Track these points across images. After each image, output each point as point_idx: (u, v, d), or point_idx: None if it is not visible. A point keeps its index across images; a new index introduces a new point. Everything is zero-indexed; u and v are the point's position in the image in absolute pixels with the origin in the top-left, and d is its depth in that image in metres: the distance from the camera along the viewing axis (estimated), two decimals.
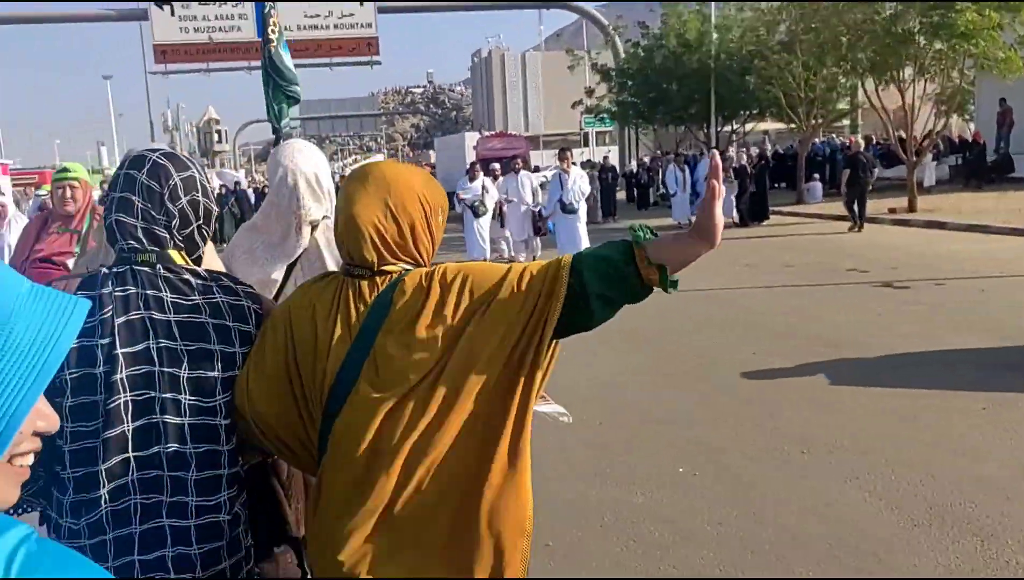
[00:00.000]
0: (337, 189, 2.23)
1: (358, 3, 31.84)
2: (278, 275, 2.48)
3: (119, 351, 1.57)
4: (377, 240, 1.64)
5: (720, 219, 1.55)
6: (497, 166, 13.80)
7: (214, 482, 1.62)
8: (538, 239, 12.46)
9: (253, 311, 1.73)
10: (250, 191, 24.07)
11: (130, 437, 1.56)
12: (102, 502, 1.54)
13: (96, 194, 5.11)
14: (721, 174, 1.53)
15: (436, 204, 1.72)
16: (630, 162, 30.72)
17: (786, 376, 5.99)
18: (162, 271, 1.66)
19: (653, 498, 4.10)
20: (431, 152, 66.15)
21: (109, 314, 1.58)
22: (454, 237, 12.89)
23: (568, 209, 10.91)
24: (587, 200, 11.77)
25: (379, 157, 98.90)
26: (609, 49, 30.69)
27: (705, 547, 3.59)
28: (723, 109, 24.80)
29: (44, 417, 0.81)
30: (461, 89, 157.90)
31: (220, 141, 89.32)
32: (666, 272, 1.55)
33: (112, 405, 1.55)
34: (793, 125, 21.70)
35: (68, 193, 4.28)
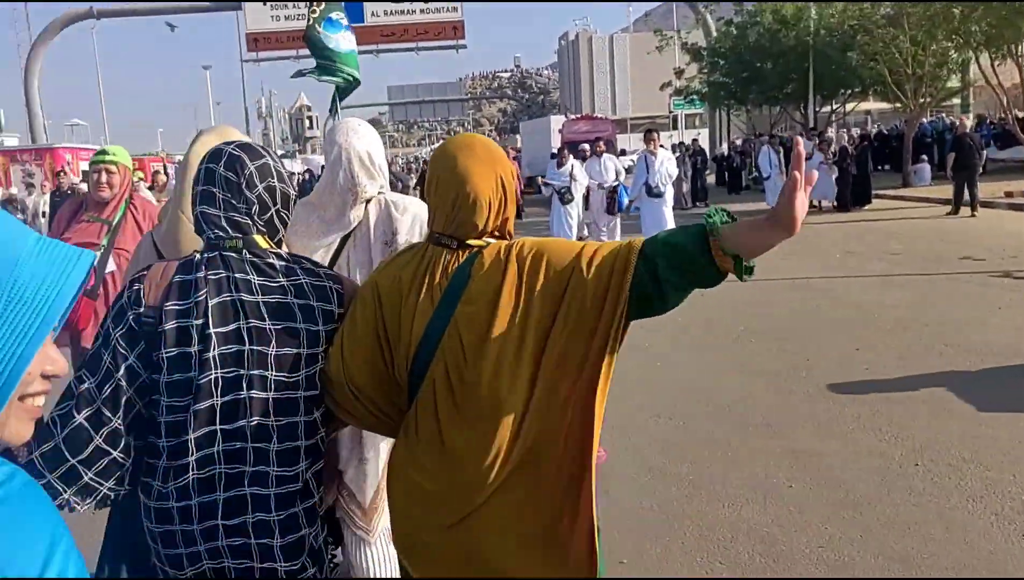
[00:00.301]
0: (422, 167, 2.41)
1: None
2: (332, 246, 2.56)
3: (212, 331, 1.69)
4: (491, 211, 1.75)
5: (802, 208, 1.47)
6: (587, 147, 13.22)
7: (293, 452, 1.74)
8: (617, 220, 11.80)
9: (335, 291, 1.84)
10: None
11: (218, 410, 1.69)
12: (190, 470, 1.68)
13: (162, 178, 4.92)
14: (803, 162, 1.46)
15: (514, 178, 1.86)
16: (721, 145, 29.70)
17: (895, 377, 5.41)
18: (248, 256, 1.77)
19: (743, 512, 3.67)
20: (517, 136, 65.91)
21: (203, 296, 1.70)
22: (539, 221, 12.41)
23: (654, 192, 10.33)
24: (674, 184, 11.21)
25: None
26: (700, 29, 29.66)
27: (803, 570, 3.16)
28: (822, 88, 23.62)
29: (52, 361, 0.89)
30: (548, 73, 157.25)
31: (311, 127, 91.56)
32: (741, 261, 1.53)
33: (203, 380, 1.67)
34: (899, 104, 20.43)
35: (104, 177, 3.96)
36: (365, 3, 31.77)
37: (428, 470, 1.72)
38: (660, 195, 10.36)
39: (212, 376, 1.69)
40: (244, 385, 1.71)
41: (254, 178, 1.81)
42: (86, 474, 1.65)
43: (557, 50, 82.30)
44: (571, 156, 12.16)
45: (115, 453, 1.68)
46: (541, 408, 1.65)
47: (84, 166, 22.44)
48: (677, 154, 21.44)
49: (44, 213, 14.31)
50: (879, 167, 23.75)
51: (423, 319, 1.72)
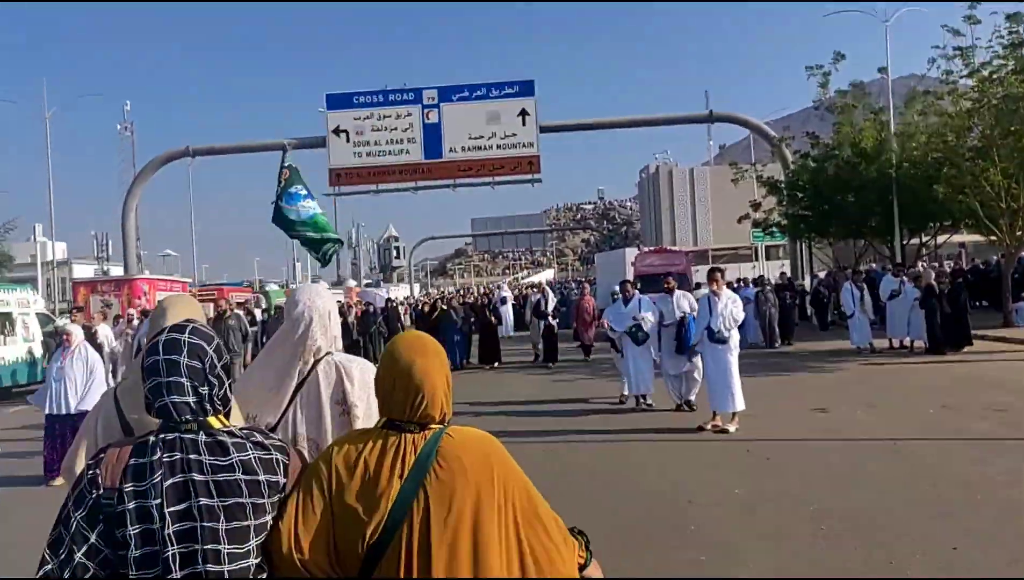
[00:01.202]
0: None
1: (520, 123, 32.34)
2: (286, 399, 2.89)
3: (167, 510, 1.85)
4: (446, 401, 2.07)
5: None
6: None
7: None
8: (689, 363, 10.54)
9: (281, 463, 2.00)
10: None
11: None
12: None
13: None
14: None
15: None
16: (802, 278, 28.52)
17: None
18: (203, 437, 1.94)
19: None
20: (595, 266, 65.78)
21: (159, 479, 1.87)
22: (604, 358, 11.46)
23: (716, 337, 9.46)
24: (757, 320, 10.28)
25: (549, 272, 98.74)
26: (777, 162, 29.15)
27: None
28: (908, 221, 22.47)
29: None
30: (631, 205, 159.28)
31: (398, 257, 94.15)
32: None
33: (164, 556, 1.84)
34: (994, 237, 19.12)
35: None
36: (445, 138, 32.70)
37: None
38: (724, 341, 9.43)
39: (171, 551, 1.83)
40: (200, 559, 1.84)
41: (214, 361, 2.01)
42: None
43: (638, 182, 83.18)
44: (637, 291, 11.24)
45: None
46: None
47: (161, 296, 23.01)
48: (758, 289, 20.45)
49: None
50: (976, 303, 22.13)
51: (391, 494, 1.91)
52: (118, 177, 42.31)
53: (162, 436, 1.94)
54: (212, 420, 2.00)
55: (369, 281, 78.70)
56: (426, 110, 33.10)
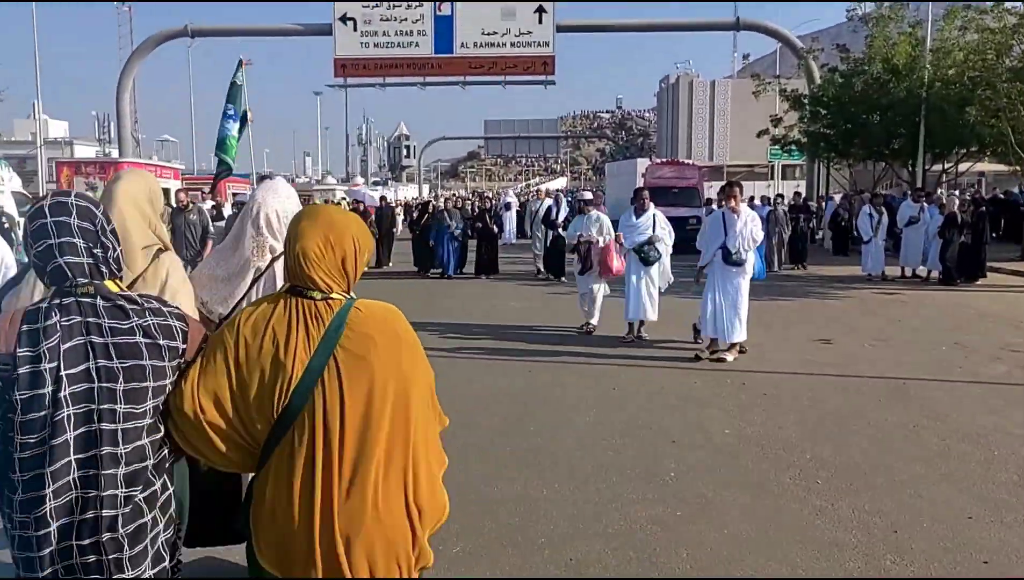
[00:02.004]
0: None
1: (537, 20, 30.74)
2: (239, 293, 3.11)
3: (63, 373, 1.89)
4: (348, 271, 2.12)
5: None
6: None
7: (141, 473, 1.99)
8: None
9: (179, 330, 2.07)
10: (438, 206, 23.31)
11: (71, 443, 1.90)
12: (47, 500, 1.88)
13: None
14: None
15: (364, 246, 2.16)
16: (815, 198, 27.51)
17: None
18: (101, 302, 1.98)
19: None
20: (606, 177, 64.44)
21: (55, 341, 1.90)
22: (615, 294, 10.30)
23: (733, 260, 8.38)
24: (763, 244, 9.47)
25: (561, 181, 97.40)
26: (803, 75, 27.69)
27: None
28: (934, 146, 21.33)
29: None
30: (649, 115, 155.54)
31: (408, 156, 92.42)
32: None
33: (58, 418, 1.88)
34: (1019, 167, 18.07)
35: None
36: (457, 33, 31.20)
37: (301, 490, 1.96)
38: (740, 263, 8.42)
39: (66, 413, 1.88)
40: (95, 418, 1.92)
41: (104, 224, 2.04)
42: None
43: (657, 92, 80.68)
44: (652, 203, 9.76)
45: None
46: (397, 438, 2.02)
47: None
48: (770, 207, 19.49)
49: None
50: (993, 234, 21.27)
51: (303, 357, 1.97)
52: (118, 57, 40.81)
53: (57, 301, 1.94)
54: (110, 284, 2.02)
55: (377, 179, 77.56)
56: (438, 2, 31.43)
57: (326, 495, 1.94)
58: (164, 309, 2.07)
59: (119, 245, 2.08)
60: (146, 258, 2.75)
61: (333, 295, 2.07)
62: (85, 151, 47.44)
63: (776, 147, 29.02)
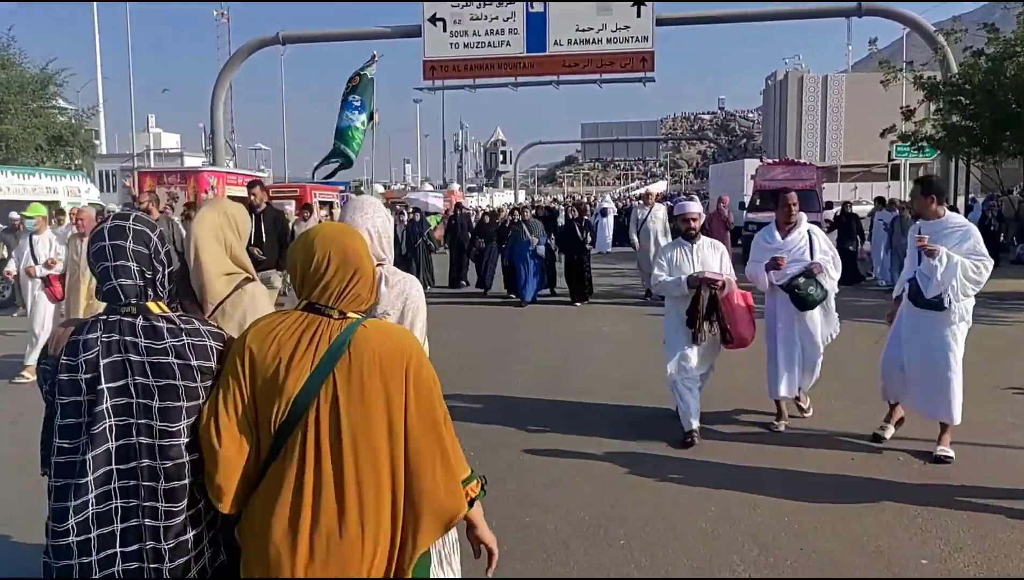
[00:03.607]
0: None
1: (635, 14, 28.78)
2: None
3: (104, 386, 2.00)
4: (372, 294, 2.18)
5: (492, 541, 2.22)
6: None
7: (180, 491, 2.02)
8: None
9: (214, 350, 2.12)
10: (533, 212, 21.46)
11: (113, 453, 2.00)
12: (89, 506, 1.97)
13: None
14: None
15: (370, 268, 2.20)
16: (955, 201, 24.44)
17: None
18: (141, 321, 2.08)
19: None
20: (709, 180, 61.54)
21: (94, 355, 2.02)
22: None
23: (929, 302, 5.54)
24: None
25: (662, 184, 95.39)
26: (938, 62, 24.68)
27: None
28: None
29: None
30: (753, 116, 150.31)
31: (505, 161, 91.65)
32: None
33: (99, 429, 1.97)
34: None
35: None
36: (550, 30, 29.59)
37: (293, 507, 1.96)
38: (941, 307, 5.54)
39: (107, 424, 1.98)
40: (134, 432, 2.01)
41: (158, 247, 2.16)
42: None
43: (763, 90, 76.97)
44: (803, 215, 6.58)
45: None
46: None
47: (232, 191, 21.44)
48: (896, 213, 17.04)
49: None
50: None
51: (302, 375, 1.97)
52: (218, 68, 41.11)
53: (104, 317, 2.08)
54: (151, 305, 2.13)
55: (472, 185, 76.93)
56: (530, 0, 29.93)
57: (312, 513, 1.94)
58: (202, 329, 2.14)
59: (169, 267, 2.20)
60: (228, 285, 2.76)
61: (349, 314, 2.09)
62: (194, 162, 48.41)
63: (906, 144, 26.06)
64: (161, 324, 2.07)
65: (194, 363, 2.05)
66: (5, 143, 22.72)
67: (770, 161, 24.36)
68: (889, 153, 35.88)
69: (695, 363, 6.16)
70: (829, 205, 21.14)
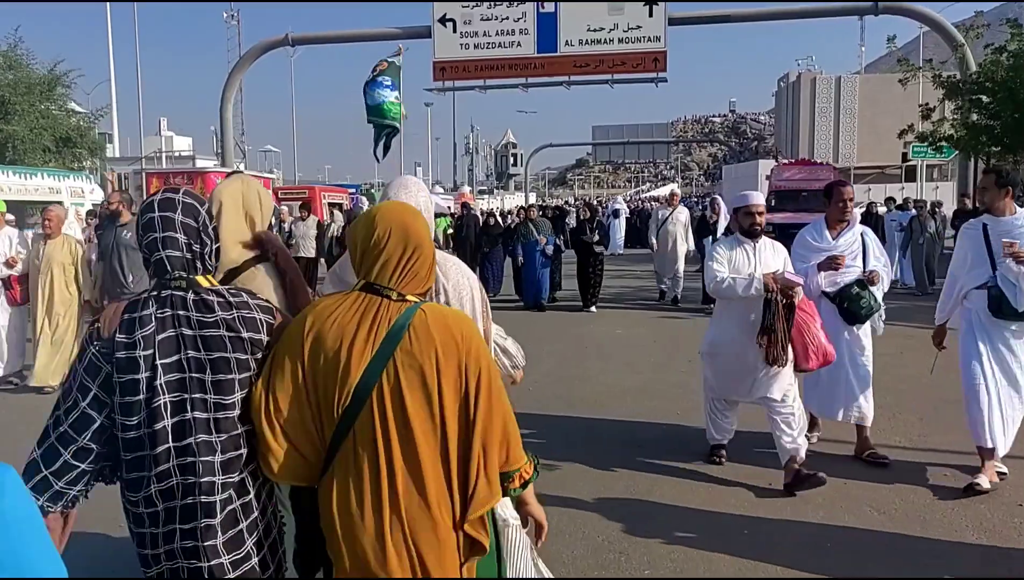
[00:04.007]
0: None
1: (647, 13, 28.42)
2: None
3: (159, 362, 2.02)
4: (430, 274, 2.18)
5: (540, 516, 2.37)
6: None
7: (236, 461, 2.07)
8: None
9: (265, 322, 2.15)
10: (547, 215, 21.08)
11: (169, 430, 2.02)
12: (152, 483, 2.02)
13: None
14: None
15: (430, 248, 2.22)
16: (969, 202, 23.91)
17: None
18: (191, 295, 2.10)
19: None
20: (722, 182, 60.94)
21: (150, 331, 2.03)
22: None
23: (1013, 311, 4.88)
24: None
25: (673, 186, 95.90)
26: (956, 61, 24.19)
27: None
28: None
29: None
30: (765, 118, 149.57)
31: (515, 164, 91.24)
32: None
33: (155, 405, 2.00)
34: None
35: None
36: (561, 30, 29.25)
37: (365, 494, 1.97)
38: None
39: (162, 401, 2.00)
40: (188, 407, 2.02)
41: (206, 221, 2.18)
42: (56, 483, 2.00)
43: (775, 92, 76.38)
44: (859, 212, 6.09)
45: (83, 465, 2.02)
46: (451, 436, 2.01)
47: None
48: (912, 212, 16.68)
49: None
50: None
51: (364, 359, 1.97)
52: (228, 69, 40.98)
53: (155, 293, 2.09)
54: (200, 279, 2.14)
55: (483, 188, 76.63)
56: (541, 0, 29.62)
57: (391, 499, 1.95)
58: (251, 301, 2.16)
59: (216, 242, 2.23)
60: (241, 256, 2.69)
61: (408, 297, 2.07)
62: (206, 165, 48.33)
63: (921, 145, 25.58)
64: (211, 297, 2.10)
65: (245, 335, 2.08)
66: (12, 144, 22.45)
67: (786, 161, 23.90)
68: (904, 154, 35.37)
69: (750, 386, 5.20)
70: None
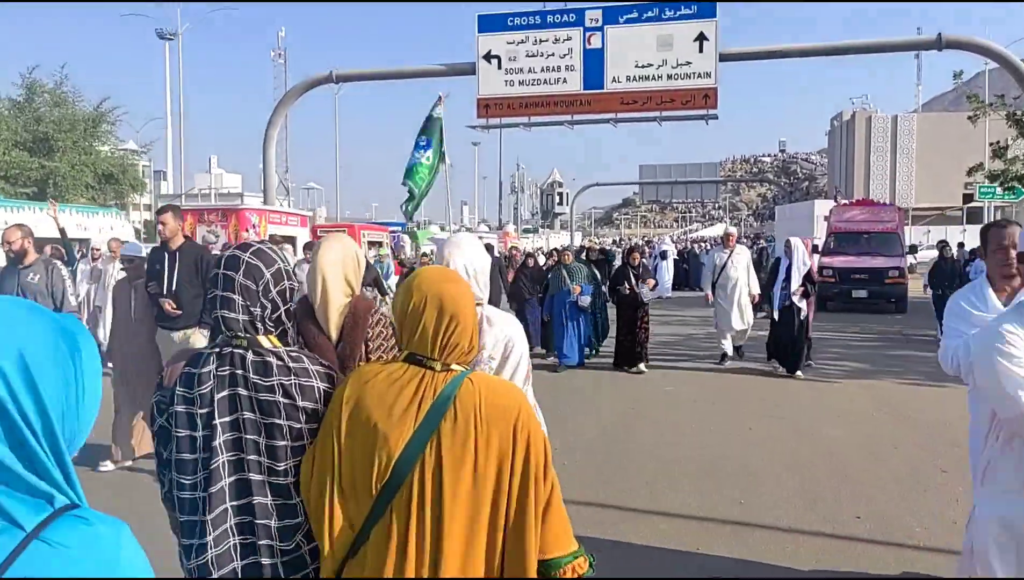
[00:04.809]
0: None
1: (697, 49, 27.65)
2: None
3: (217, 421, 1.98)
4: (473, 342, 2.05)
5: None
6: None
7: (292, 529, 2.00)
8: None
9: (322, 391, 2.05)
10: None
11: (227, 490, 1.97)
12: (208, 548, 1.94)
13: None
14: None
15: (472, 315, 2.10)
16: None
17: None
18: (251, 355, 2.03)
19: None
20: (773, 223, 59.50)
21: (208, 389, 1.99)
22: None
23: None
24: None
25: (720, 227, 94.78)
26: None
27: None
28: None
29: None
30: (816, 158, 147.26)
31: (561, 203, 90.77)
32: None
33: (214, 465, 1.95)
34: None
35: None
36: (608, 66, 28.60)
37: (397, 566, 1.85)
38: None
39: (221, 460, 1.96)
40: (245, 467, 1.97)
41: (269, 285, 2.10)
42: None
43: (828, 131, 74.90)
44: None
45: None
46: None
47: (275, 229, 20.67)
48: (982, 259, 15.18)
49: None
50: None
51: (406, 432, 1.86)
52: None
53: (216, 349, 2.05)
54: (262, 339, 2.07)
55: (528, 227, 76.15)
56: (588, 33, 29.15)
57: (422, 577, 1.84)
58: (311, 368, 2.07)
59: (287, 304, 2.14)
60: (340, 321, 2.74)
61: (453, 366, 1.97)
62: (254, 202, 48.69)
63: (989, 185, 24.15)
64: (271, 359, 2.04)
65: (300, 403, 2.02)
66: (53, 181, 22.35)
67: (846, 201, 22.62)
68: (967, 195, 33.72)
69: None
70: (913, 249, 19.40)
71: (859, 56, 29.45)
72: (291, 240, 21.54)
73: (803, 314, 10.85)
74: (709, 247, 36.71)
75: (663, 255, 25.66)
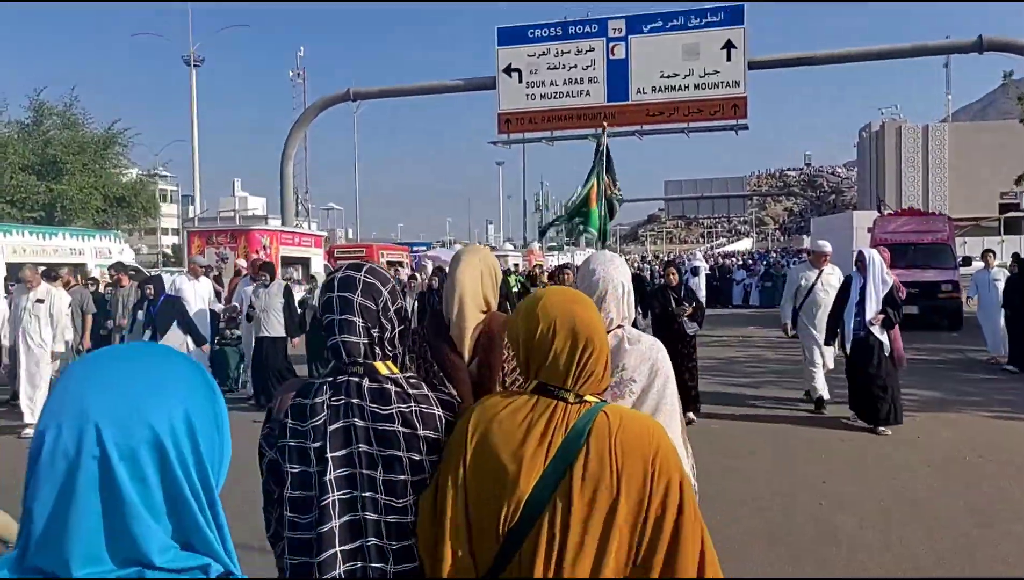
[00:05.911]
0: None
1: (724, 57, 26.59)
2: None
3: (329, 455, 1.79)
4: (602, 367, 1.82)
5: None
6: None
7: (410, 574, 1.80)
8: None
9: (444, 419, 1.88)
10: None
11: (337, 532, 1.77)
12: None
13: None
14: None
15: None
16: None
17: None
18: (367, 383, 1.87)
19: None
20: (804, 237, 58.01)
21: (322, 421, 1.81)
22: None
23: None
24: None
25: (748, 241, 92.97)
26: None
27: None
28: None
29: None
30: (842, 171, 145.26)
31: None
32: None
33: (324, 502, 1.76)
34: None
35: None
36: (632, 77, 27.61)
37: None
38: None
39: (332, 498, 1.77)
40: (359, 506, 1.78)
41: (388, 303, 1.96)
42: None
43: (856, 143, 73.34)
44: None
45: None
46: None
47: (286, 250, 19.79)
48: (1012, 272, 13.16)
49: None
50: None
51: (535, 471, 1.68)
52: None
53: (331, 378, 1.91)
54: (379, 365, 1.94)
55: (553, 244, 75.18)
56: (611, 44, 28.20)
57: None
58: (431, 395, 1.91)
59: (402, 325, 2.01)
60: (474, 339, 2.57)
61: (587, 397, 1.76)
62: (277, 224, 48.26)
63: None
64: (389, 386, 1.88)
65: (421, 433, 1.85)
66: (61, 204, 21.64)
67: (891, 212, 21.30)
68: (1002, 205, 32.29)
69: None
70: (967, 261, 18.05)
71: (882, 69, 28.40)
72: (305, 261, 20.71)
73: (885, 348, 8.39)
74: (740, 263, 35.43)
75: (695, 271, 24.50)
